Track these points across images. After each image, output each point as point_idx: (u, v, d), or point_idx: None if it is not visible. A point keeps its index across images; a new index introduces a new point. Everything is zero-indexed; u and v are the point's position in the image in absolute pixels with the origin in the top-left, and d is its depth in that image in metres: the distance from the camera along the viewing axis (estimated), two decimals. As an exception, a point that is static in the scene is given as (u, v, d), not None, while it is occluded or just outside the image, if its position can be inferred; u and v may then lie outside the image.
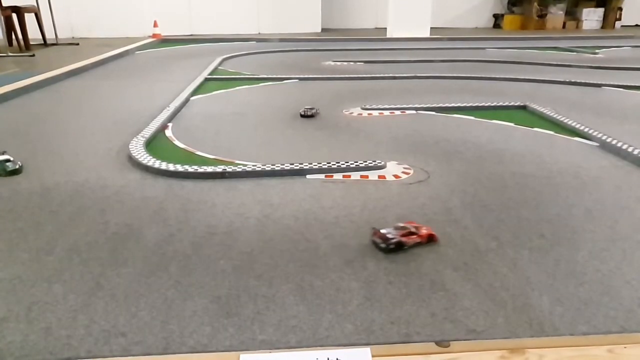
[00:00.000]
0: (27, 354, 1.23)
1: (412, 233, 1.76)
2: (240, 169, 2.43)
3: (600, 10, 11.50)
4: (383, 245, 1.72)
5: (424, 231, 1.78)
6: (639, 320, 1.35)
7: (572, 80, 4.78)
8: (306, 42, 8.85)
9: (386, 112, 3.69)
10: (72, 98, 4.37)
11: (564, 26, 11.46)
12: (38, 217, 2.00)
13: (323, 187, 2.28)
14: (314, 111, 3.65)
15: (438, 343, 1.23)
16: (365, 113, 3.69)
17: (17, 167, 2.46)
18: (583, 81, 4.74)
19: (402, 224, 1.80)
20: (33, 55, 6.98)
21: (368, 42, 8.95)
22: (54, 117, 3.68)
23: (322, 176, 2.41)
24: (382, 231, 1.75)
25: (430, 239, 1.78)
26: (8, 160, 2.46)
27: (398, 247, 1.72)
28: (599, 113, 3.64)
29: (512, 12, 11.80)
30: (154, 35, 9.17)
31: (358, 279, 1.55)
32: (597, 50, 7.32)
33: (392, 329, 1.31)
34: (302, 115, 3.61)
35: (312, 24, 10.78)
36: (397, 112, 3.68)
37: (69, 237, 1.83)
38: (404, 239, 1.73)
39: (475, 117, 3.54)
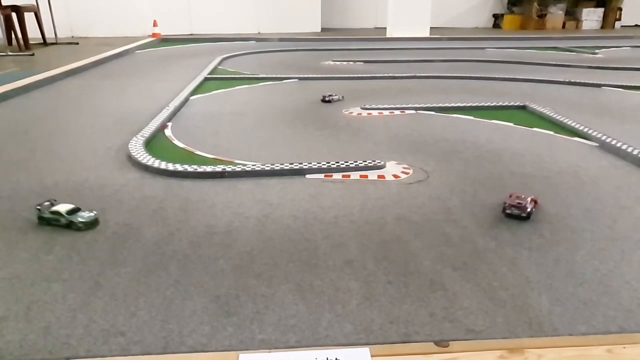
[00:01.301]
0: (26, 353, 1.23)
1: (532, 200, 2.02)
2: (239, 169, 2.43)
3: (600, 10, 11.51)
4: (524, 215, 1.96)
5: (532, 197, 2.05)
6: (638, 320, 1.35)
7: (572, 81, 4.78)
8: (306, 41, 8.85)
9: (386, 112, 3.69)
10: (71, 97, 4.37)
11: (563, 26, 11.47)
12: (37, 216, 1.99)
13: (322, 187, 2.28)
14: (334, 97, 4.03)
15: (437, 343, 1.23)
16: (364, 113, 3.69)
17: (94, 215, 1.92)
18: (582, 81, 4.74)
19: (516, 195, 2.04)
20: (32, 55, 6.98)
21: (368, 41, 8.95)
22: (54, 116, 3.67)
23: (321, 176, 2.41)
24: (513, 204, 1.98)
25: (536, 202, 2.06)
26: (76, 210, 1.91)
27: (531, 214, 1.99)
28: (599, 113, 3.65)
29: (511, 12, 11.81)
30: (153, 35, 9.17)
31: (357, 278, 1.55)
32: (596, 51, 7.32)
33: (392, 329, 1.31)
34: (322, 100, 4.05)
35: (311, 24, 10.79)
36: (397, 112, 3.68)
37: (68, 236, 1.83)
38: (532, 206, 1.99)
39: (475, 117, 3.54)
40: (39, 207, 1.92)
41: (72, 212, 1.89)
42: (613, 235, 1.82)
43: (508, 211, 1.98)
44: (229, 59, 6.62)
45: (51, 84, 4.82)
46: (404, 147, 2.86)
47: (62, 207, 1.90)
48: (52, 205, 1.93)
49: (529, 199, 1.99)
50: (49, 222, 1.89)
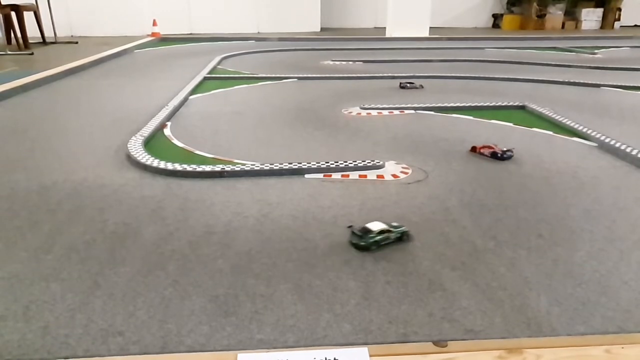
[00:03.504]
0: (25, 353, 1.23)
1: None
2: (238, 168, 2.43)
3: (600, 11, 11.52)
4: (510, 153, 2.62)
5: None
6: (636, 320, 1.35)
7: (571, 81, 4.78)
8: (305, 41, 8.85)
9: (385, 112, 3.69)
10: (70, 97, 4.36)
11: (563, 26, 11.48)
12: (36, 215, 2.00)
13: (321, 187, 2.28)
14: (409, 85, 4.34)
15: (436, 343, 1.23)
16: (364, 113, 3.69)
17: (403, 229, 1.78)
18: (582, 81, 4.75)
19: (492, 144, 2.70)
20: (32, 54, 6.98)
21: (367, 41, 8.95)
22: (53, 115, 3.67)
23: (320, 176, 2.40)
24: (504, 150, 2.62)
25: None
26: (386, 232, 1.73)
27: None
28: (598, 113, 3.65)
29: (511, 12, 11.81)
30: (153, 34, 9.16)
31: (356, 278, 1.55)
32: (596, 51, 7.33)
33: (390, 329, 1.31)
34: (400, 86, 4.44)
35: (311, 23, 10.79)
36: (396, 112, 3.68)
37: (67, 236, 1.83)
38: None
39: (474, 117, 3.54)
40: (359, 234, 1.72)
41: (384, 231, 1.73)
42: (612, 236, 1.83)
43: (505, 155, 2.60)
44: (228, 59, 6.62)
45: (50, 83, 4.82)
46: (403, 147, 2.86)
47: (380, 225, 1.74)
48: (357, 229, 1.75)
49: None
50: (379, 243, 1.70)
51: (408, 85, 4.42)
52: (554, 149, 2.85)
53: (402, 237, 1.76)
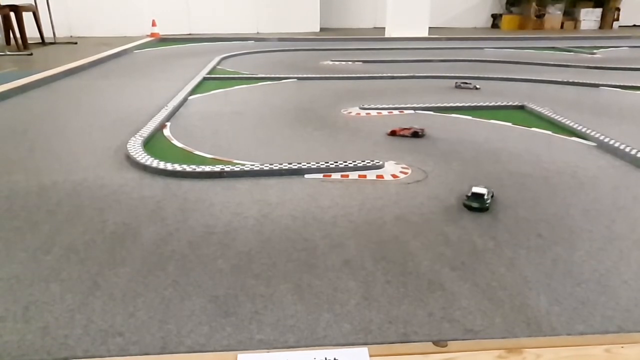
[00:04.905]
0: (24, 354, 1.23)
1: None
2: (238, 169, 2.43)
3: (598, 11, 11.53)
4: (422, 133, 3.01)
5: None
6: (636, 319, 1.35)
7: (570, 81, 4.79)
8: (305, 41, 8.85)
9: (384, 112, 3.69)
10: (70, 97, 4.36)
11: (562, 26, 11.49)
12: (35, 216, 1.99)
13: (321, 187, 2.28)
14: (463, 85, 4.39)
15: (436, 343, 1.23)
16: (363, 113, 3.69)
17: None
18: (581, 81, 4.75)
19: (406, 127, 3.07)
20: (31, 54, 6.98)
21: (366, 41, 8.95)
22: (52, 115, 3.67)
23: (320, 176, 2.41)
24: (411, 130, 3.02)
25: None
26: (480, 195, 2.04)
27: None
28: (597, 113, 3.65)
29: (510, 12, 11.82)
30: (152, 35, 9.16)
31: (356, 278, 1.55)
32: (594, 51, 7.33)
33: (390, 329, 1.31)
34: (455, 86, 4.49)
35: (310, 24, 10.80)
36: (396, 112, 3.69)
37: (66, 236, 1.82)
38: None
39: (473, 116, 3.54)
40: (478, 199, 2.02)
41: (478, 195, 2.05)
42: (611, 235, 1.83)
43: (423, 133, 3.02)
44: (228, 59, 6.62)
45: (49, 83, 4.81)
46: (403, 147, 2.86)
47: (483, 189, 2.06)
48: (471, 196, 2.05)
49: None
50: (489, 204, 2.04)
51: (462, 85, 4.44)
52: (553, 148, 2.85)
53: (493, 196, 2.11)
